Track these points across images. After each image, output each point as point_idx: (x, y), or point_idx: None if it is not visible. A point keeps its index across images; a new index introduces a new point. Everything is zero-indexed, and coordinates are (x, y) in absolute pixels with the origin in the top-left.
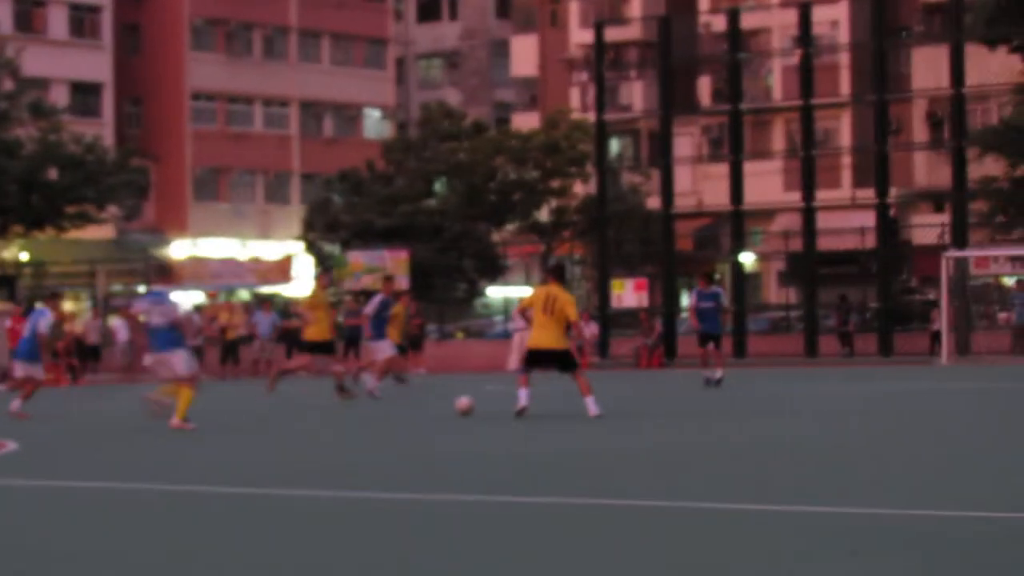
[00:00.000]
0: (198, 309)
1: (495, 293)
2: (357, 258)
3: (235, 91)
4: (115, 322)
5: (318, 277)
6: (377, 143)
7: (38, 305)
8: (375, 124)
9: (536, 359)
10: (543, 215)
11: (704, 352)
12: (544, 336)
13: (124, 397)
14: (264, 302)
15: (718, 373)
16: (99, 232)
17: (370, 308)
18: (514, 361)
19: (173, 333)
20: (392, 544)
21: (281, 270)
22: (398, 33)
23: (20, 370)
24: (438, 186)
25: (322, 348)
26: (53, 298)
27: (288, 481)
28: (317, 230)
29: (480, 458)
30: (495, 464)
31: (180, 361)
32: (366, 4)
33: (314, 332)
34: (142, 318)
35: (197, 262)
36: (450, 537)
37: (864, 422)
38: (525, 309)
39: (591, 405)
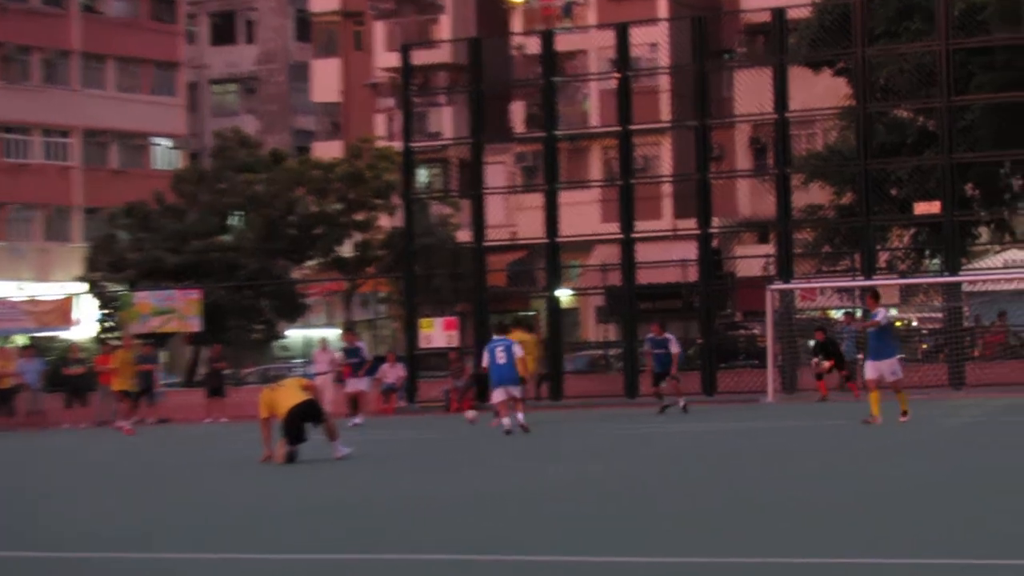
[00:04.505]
0: None
1: (295, 335)
2: (145, 299)
3: (11, 119)
4: None
5: None
6: (167, 174)
7: None
8: (165, 154)
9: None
10: (346, 250)
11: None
12: None
13: None
14: (27, 348)
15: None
16: None
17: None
18: (327, 406)
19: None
20: None
21: (61, 313)
22: (190, 57)
23: None
24: (233, 220)
25: None
26: None
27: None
28: (101, 269)
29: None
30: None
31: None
32: (155, 25)
33: None
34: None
35: None
36: None
37: (665, 463)
38: None
39: None
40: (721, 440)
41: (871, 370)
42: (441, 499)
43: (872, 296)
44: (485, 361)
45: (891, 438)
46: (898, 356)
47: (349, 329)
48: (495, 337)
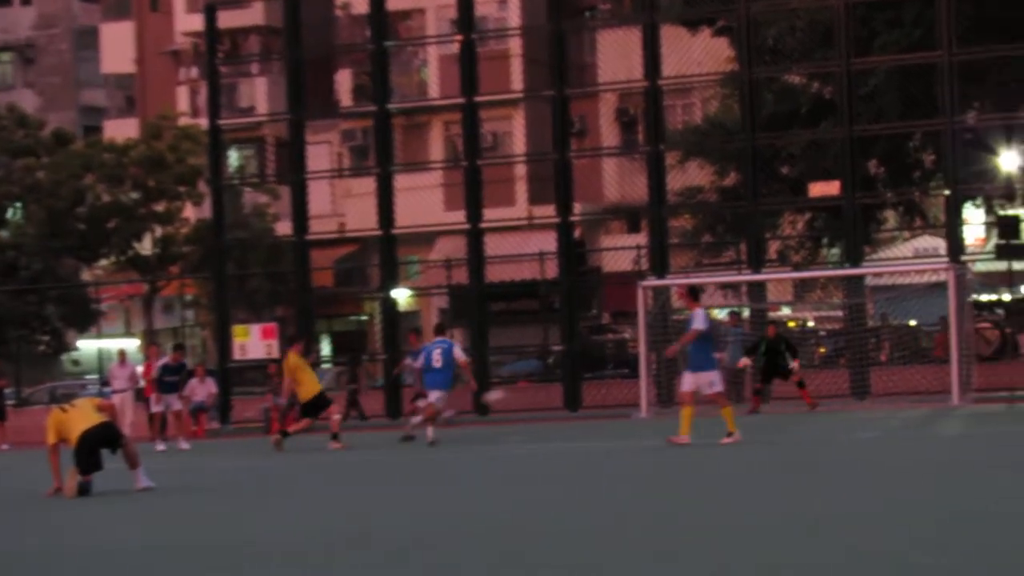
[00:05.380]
0: None
1: (87, 346)
2: None
3: None
4: None
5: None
6: None
7: None
8: None
9: None
10: (146, 247)
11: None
12: None
13: None
14: None
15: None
16: None
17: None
18: (127, 429)
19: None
20: None
21: None
22: None
23: None
24: (11, 213)
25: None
26: None
27: None
28: None
29: None
30: None
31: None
32: None
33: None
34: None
35: None
36: None
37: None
38: None
39: None
40: (554, 463)
41: (688, 383)
42: (254, 543)
43: (690, 295)
44: (420, 363)
45: (712, 465)
46: (717, 368)
47: (179, 347)
48: (436, 339)
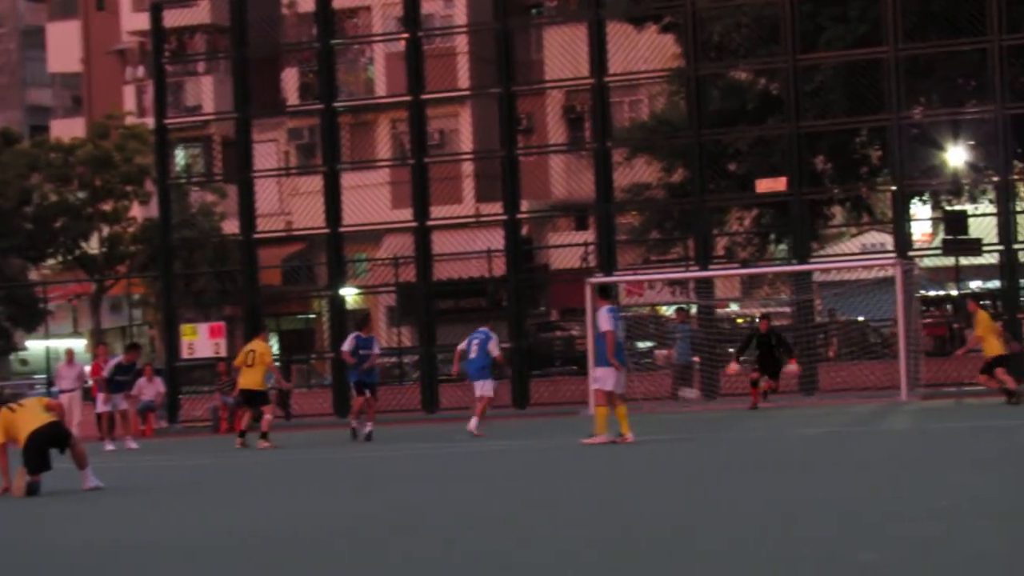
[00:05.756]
0: None
1: (35, 346)
2: None
3: None
4: None
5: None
6: None
7: None
8: None
9: None
10: (93, 246)
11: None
12: None
13: None
14: None
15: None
16: None
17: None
18: (75, 428)
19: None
20: None
21: None
22: None
23: None
24: None
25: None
26: None
27: None
28: None
29: None
30: None
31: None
32: None
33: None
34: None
35: None
36: None
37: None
38: None
39: None
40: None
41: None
42: (196, 543)
43: (599, 292)
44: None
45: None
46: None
47: (134, 347)
48: (477, 328)
